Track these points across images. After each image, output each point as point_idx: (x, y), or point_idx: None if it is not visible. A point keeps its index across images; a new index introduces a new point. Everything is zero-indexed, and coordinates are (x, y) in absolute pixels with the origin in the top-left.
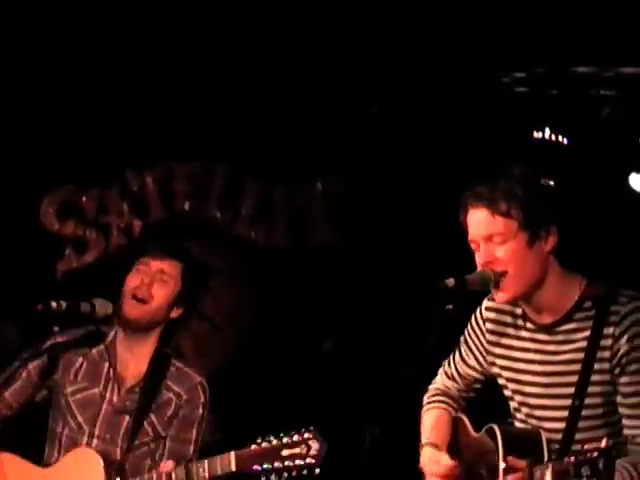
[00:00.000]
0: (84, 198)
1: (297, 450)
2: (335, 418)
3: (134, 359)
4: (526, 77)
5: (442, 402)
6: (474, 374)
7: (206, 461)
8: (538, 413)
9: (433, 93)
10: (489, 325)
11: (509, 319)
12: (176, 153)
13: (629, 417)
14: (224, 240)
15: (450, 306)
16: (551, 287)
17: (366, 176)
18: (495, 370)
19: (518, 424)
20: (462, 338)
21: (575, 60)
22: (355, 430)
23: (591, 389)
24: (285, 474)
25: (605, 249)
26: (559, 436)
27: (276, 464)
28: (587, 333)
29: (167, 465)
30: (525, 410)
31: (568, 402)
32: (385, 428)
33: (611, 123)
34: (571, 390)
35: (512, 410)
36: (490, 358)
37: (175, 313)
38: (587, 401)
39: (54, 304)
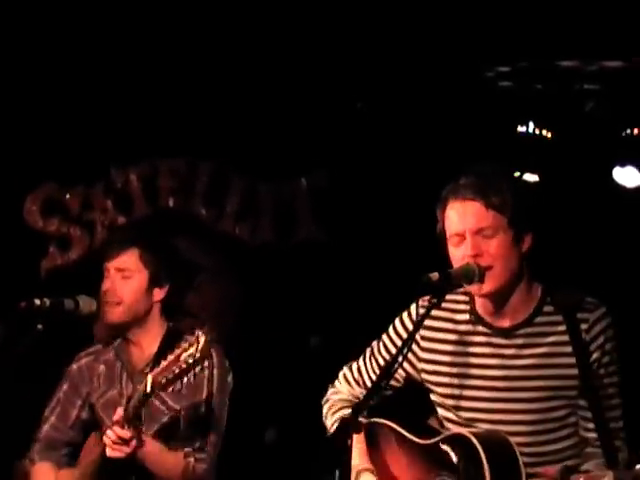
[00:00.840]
0: (68, 195)
1: (191, 350)
2: (321, 414)
3: (142, 349)
4: (510, 71)
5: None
6: (393, 383)
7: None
8: (488, 417)
9: (417, 88)
10: (424, 332)
11: (449, 325)
12: (160, 150)
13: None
14: (209, 237)
15: (434, 300)
16: (520, 291)
17: (351, 172)
18: (427, 377)
19: (455, 428)
20: (379, 344)
21: (559, 54)
22: (341, 425)
23: (556, 393)
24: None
25: (589, 244)
26: (518, 439)
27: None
28: (550, 339)
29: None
30: (467, 414)
31: (529, 406)
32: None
33: (595, 117)
34: (533, 394)
35: (446, 414)
36: (422, 365)
37: (158, 295)
38: (550, 404)
39: (38, 302)
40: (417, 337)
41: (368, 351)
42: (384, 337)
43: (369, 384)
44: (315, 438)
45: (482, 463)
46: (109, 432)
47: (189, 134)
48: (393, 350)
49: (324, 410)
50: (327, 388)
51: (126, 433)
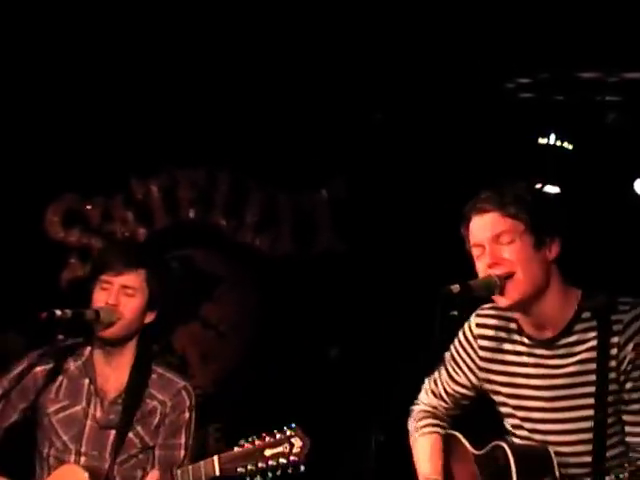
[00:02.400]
0: (89, 206)
1: (280, 449)
2: (341, 425)
3: (114, 371)
4: (531, 83)
5: (433, 425)
6: (464, 391)
7: (190, 467)
8: (542, 427)
9: (437, 99)
10: (482, 342)
11: (503, 334)
12: (181, 161)
13: (632, 424)
14: (229, 248)
15: (455, 312)
16: (552, 299)
17: (370, 182)
18: (490, 387)
19: (519, 440)
20: (448, 355)
21: (580, 66)
22: (360, 436)
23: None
24: (269, 474)
25: (609, 255)
26: (566, 449)
27: (260, 465)
28: (589, 344)
29: (153, 475)
30: (528, 425)
31: (574, 414)
32: (390, 434)
33: (616, 128)
34: (576, 402)
35: (510, 427)
36: (484, 375)
37: (148, 318)
38: (592, 412)
39: (59, 312)
40: (476, 347)
41: (442, 361)
42: (451, 346)
43: (444, 395)
44: (334, 448)
45: (512, 474)
46: None
47: (209, 145)
48: (459, 360)
49: (410, 422)
50: (346, 398)
51: None
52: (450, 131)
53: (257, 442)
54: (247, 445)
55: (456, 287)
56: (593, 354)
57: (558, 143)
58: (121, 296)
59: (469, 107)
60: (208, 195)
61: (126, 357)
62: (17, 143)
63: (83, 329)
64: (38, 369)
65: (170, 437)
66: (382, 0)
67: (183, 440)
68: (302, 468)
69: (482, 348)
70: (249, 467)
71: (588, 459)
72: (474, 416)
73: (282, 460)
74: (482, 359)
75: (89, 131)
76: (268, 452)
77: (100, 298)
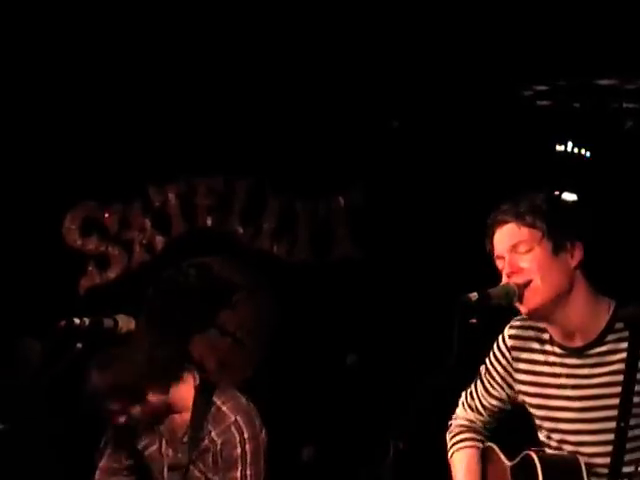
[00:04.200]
0: (106, 214)
1: None
2: (358, 432)
3: (181, 411)
4: (548, 90)
5: (470, 439)
6: (500, 405)
7: None
8: (572, 438)
9: (455, 107)
10: (515, 353)
11: (536, 345)
12: (198, 168)
13: None
14: (246, 255)
15: (474, 320)
16: (579, 306)
17: (388, 190)
18: (523, 398)
19: (550, 451)
20: (483, 368)
21: (597, 72)
22: (379, 444)
23: (634, 410)
24: None
25: (631, 263)
26: (599, 460)
27: None
28: (622, 355)
29: None
30: (557, 436)
31: (606, 425)
32: (409, 442)
33: (634, 135)
34: (608, 413)
35: (542, 437)
36: (517, 386)
37: None
38: (630, 422)
39: (77, 320)
40: (510, 359)
41: (478, 375)
42: (486, 359)
43: (481, 408)
44: (352, 455)
45: None
46: None
47: (226, 152)
48: (494, 373)
49: (447, 437)
50: (363, 405)
51: None
52: (467, 138)
53: None
54: None
55: (474, 295)
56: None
57: (576, 150)
58: None
59: (486, 114)
60: (225, 202)
61: (188, 389)
62: (35, 151)
63: (102, 337)
64: None
65: (227, 472)
66: (400, 8)
67: (238, 474)
68: None
69: (515, 359)
70: None
71: (623, 469)
72: (512, 427)
73: None
74: (516, 370)
75: (107, 139)
76: None
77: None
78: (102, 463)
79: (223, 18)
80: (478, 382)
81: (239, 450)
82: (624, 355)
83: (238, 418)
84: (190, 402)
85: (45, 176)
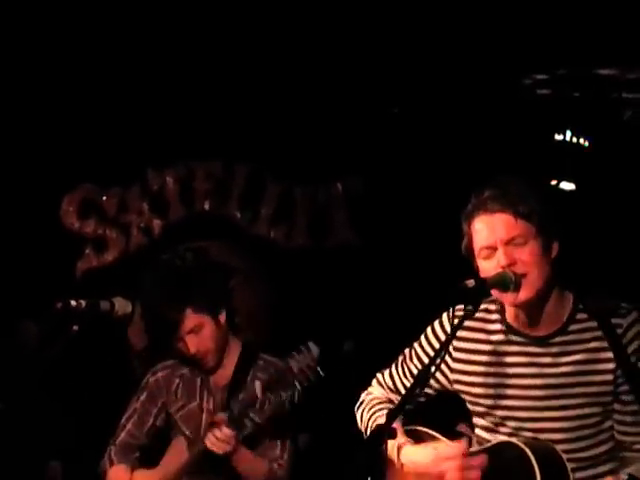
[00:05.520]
0: (104, 197)
1: (303, 361)
2: (354, 420)
3: (224, 366)
4: (548, 79)
5: (388, 409)
6: (426, 390)
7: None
8: (531, 425)
9: (454, 94)
10: (456, 342)
11: (482, 335)
12: (197, 152)
13: (630, 424)
14: (244, 240)
15: (470, 307)
16: (553, 299)
17: (386, 176)
18: (460, 388)
19: (502, 437)
20: (411, 352)
21: (597, 62)
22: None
23: (594, 399)
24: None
25: (624, 250)
26: (559, 446)
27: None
28: (586, 346)
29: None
30: (513, 424)
31: (568, 413)
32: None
33: (633, 125)
34: (570, 401)
35: (487, 424)
36: (454, 376)
37: (222, 318)
38: (590, 410)
39: (74, 303)
40: (450, 348)
41: (400, 358)
42: (416, 345)
43: (402, 391)
44: (348, 443)
45: (535, 472)
46: (216, 431)
47: (225, 137)
48: (425, 359)
49: (358, 413)
50: (360, 393)
51: (231, 433)
52: (467, 127)
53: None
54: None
55: (471, 282)
56: (589, 355)
57: (574, 140)
58: (194, 338)
59: (486, 103)
60: (224, 187)
61: (233, 352)
62: (33, 134)
63: (98, 320)
64: (159, 375)
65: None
66: None
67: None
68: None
69: (456, 349)
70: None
71: (582, 454)
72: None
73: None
74: (455, 360)
75: (106, 122)
76: (295, 368)
77: (189, 348)
78: (120, 438)
79: (225, 3)
80: (402, 365)
81: (289, 393)
82: (588, 346)
83: (291, 367)
84: (234, 360)
85: (44, 159)
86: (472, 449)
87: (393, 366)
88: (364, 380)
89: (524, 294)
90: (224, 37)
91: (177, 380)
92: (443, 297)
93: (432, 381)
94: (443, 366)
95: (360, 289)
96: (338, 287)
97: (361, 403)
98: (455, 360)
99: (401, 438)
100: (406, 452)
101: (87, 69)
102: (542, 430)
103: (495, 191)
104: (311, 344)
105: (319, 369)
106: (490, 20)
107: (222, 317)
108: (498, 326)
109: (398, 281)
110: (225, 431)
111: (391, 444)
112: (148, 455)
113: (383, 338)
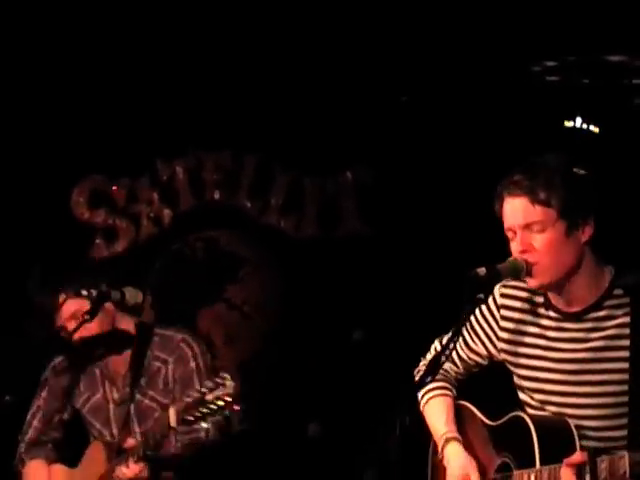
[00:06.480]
0: (114, 187)
1: (217, 392)
2: (365, 408)
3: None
4: (557, 66)
5: (443, 388)
6: (477, 359)
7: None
8: (557, 399)
9: (463, 82)
10: (504, 312)
11: (527, 306)
12: (206, 142)
13: None
14: (254, 230)
15: (481, 295)
16: (584, 277)
17: (396, 166)
18: (505, 357)
19: (534, 412)
20: (466, 322)
21: (607, 49)
22: (385, 421)
23: (622, 376)
24: (214, 417)
25: (632, 232)
26: (585, 422)
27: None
28: (618, 321)
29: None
30: (540, 397)
31: (595, 389)
32: (415, 417)
33: None
34: (598, 377)
35: (524, 397)
36: (501, 345)
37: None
38: (618, 388)
39: (85, 293)
40: (497, 317)
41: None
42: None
43: (457, 359)
44: (358, 432)
45: (533, 444)
46: (123, 468)
47: (235, 127)
48: (477, 328)
49: (416, 379)
50: (370, 382)
51: (139, 468)
52: (476, 114)
53: (200, 390)
54: (193, 394)
55: (482, 270)
56: (621, 331)
57: (584, 126)
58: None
59: (495, 90)
60: (233, 177)
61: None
62: (44, 124)
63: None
64: (58, 368)
65: (184, 389)
66: None
67: (197, 387)
68: (236, 408)
69: (504, 318)
70: (197, 414)
71: (608, 434)
72: (484, 387)
73: (220, 401)
74: (502, 329)
75: (115, 112)
76: (209, 397)
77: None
78: (29, 435)
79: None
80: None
81: (193, 364)
82: (620, 321)
83: (185, 337)
84: (130, 342)
85: (53, 150)
86: None
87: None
88: (373, 369)
89: (536, 281)
90: (232, 27)
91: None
92: (453, 285)
93: (481, 349)
94: (492, 335)
95: (370, 279)
96: (348, 277)
97: (417, 372)
98: (502, 329)
99: (453, 432)
100: (449, 450)
101: (96, 61)
102: (568, 405)
103: (521, 175)
104: (227, 378)
105: (234, 405)
106: (499, 7)
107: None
108: (542, 299)
109: (408, 271)
110: (133, 468)
111: (441, 432)
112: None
113: (392, 328)
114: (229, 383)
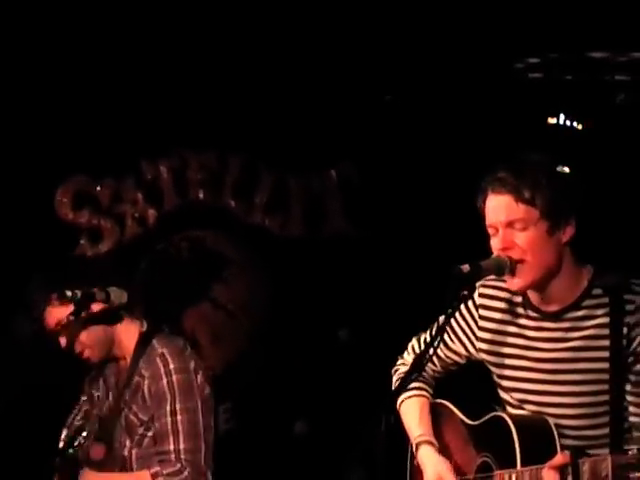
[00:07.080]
0: (98, 187)
1: None
2: (351, 406)
3: (121, 358)
4: (540, 63)
5: (420, 389)
6: (456, 358)
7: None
8: (536, 399)
9: (447, 80)
10: (482, 312)
11: (505, 306)
12: (191, 142)
13: (637, 405)
14: (239, 229)
15: (465, 292)
16: (564, 277)
17: (381, 164)
18: (483, 356)
19: (514, 411)
20: (451, 318)
21: (589, 45)
22: (371, 418)
23: (601, 376)
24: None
25: (621, 234)
26: (564, 421)
27: None
28: (597, 321)
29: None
30: (518, 396)
31: (574, 388)
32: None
33: (626, 108)
34: (577, 377)
35: (503, 395)
36: (479, 344)
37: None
38: (596, 387)
39: (69, 293)
40: (476, 317)
41: (435, 324)
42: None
43: (435, 358)
44: (344, 430)
45: (514, 444)
46: None
47: (219, 127)
48: (456, 327)
49: (394, 379)
50: (356, 381)
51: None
52: (460, 112)
53: None
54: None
55: (466, 267)
56: (600, 331)
57: (567, 123)
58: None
59: (478, 88)
60: (218, 176)
61: (129, 341)
62: (27, 124)
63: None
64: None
65: (157, 408)
66: None
67: (168, 407)
68: None
69: (482, 318)
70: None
71: (587, 433)
72: (463, 385)
73: None
74: (481, 329)
75: (99, 112)
76: None
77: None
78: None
79: None
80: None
81: (165, 381)
82: (599, 321)
83: (164, 351)
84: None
85: (37, 151)
86: None
87: (427, 333)
88: (359, 368)
89: (520, 281)
90: (216, 28)
91: (100, 381)
92: (438, 283)
93: (459, 348)
94: (470, 334)
95: (355, 278)
96: (333, 276)
97: (395, 371)
98: (480, 329)
99: (425, 435)
100: (421, 454)
101: (80, 61)
102: (547, 404)
103: (506, 172)
104: None
105: None
106: (482, 4)
107: (95, 306)
108: (520, 299)
109: (393, 269)
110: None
111: (414, 434)
112: None
113: (378, 326)
114: None
